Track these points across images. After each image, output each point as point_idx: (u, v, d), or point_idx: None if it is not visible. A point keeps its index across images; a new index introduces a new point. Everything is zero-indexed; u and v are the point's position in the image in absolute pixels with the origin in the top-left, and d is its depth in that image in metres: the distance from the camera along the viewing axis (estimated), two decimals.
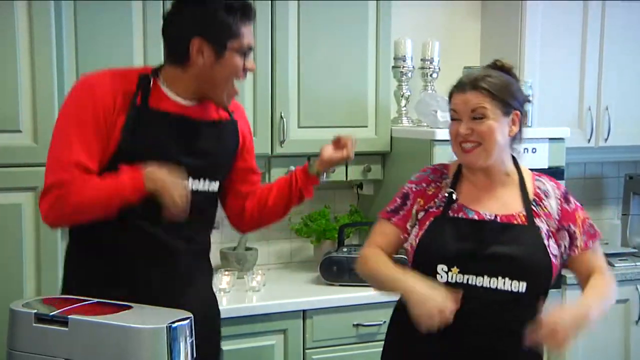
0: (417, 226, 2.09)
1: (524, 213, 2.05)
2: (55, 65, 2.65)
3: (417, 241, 2.07)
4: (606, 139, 3.71)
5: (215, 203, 2.27)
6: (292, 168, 3.22)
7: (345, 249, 3.23)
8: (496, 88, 2.02)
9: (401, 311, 2.03)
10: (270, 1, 3.12)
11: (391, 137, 3.41)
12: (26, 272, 2.57)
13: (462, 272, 1.99)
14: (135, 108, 2.01)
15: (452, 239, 2.02)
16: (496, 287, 1.97)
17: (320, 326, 3.01)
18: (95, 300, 1.73)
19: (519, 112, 2.07)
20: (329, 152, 2.27)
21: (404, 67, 3.46)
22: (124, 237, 2.03)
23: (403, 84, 3.49)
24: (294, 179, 2.31)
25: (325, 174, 2.31)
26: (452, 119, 2.08)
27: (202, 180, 2.14)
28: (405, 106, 3.51)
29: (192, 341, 1.59)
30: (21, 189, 2.60)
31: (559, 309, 1.99)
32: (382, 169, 3.45)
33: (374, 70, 3.34)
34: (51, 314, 1.59)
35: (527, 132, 3.24)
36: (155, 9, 2.93)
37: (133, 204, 1.94)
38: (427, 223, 2.07)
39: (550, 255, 2.01)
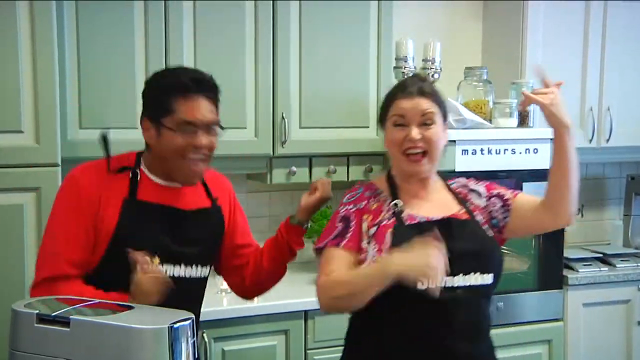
0: (373, 241, 2.00)
1: (464, 210, 2.07)
2: (57, 66, 2.65)
3: (387, 253, 1.96)
4: (608, 140, 3.71)
5: (205, 284, 2.25)
6: (294, 169, 3.25)
7: None
8: (438, 95, 2.05)
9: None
10: (271, 1, 3.13)
11: None
12: (28, 272, 2.57)
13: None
14: (125, 202, 2.02)
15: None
16: (470, 285, 1.96)
17: (321, 327, 3.01)
18: (97, 300, 1.73)
19: (446, 123, 2.09)
20: (305, 198, 2.27)
21: (405, 67, 3.46)
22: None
23: None
24: (280, 237, 2.29)
25: (309, 222, 2.30)
26: (396, 125, 2.02)
27: (194, 267, 2.12)
28: None
29: (194, 341, 1.59)
30: (23, 189, 2.59)
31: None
32: (383, 169, 3.45)
33: (375, 71, 3.35)
34: (53, 314, 1.58)
35: (529, 133, 3.29)
36: (156, 9, 2.94)
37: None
38: (387, 235, 1.98)
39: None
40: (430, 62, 3.51)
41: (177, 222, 2.08)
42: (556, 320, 3.41)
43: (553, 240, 3.38)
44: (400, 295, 1.86)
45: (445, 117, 2.07)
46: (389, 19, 3.34)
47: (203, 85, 2.00)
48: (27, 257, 2.59)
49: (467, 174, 3.10)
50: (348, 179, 3.36)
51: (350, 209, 2.06)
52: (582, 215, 4.13)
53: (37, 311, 1.59)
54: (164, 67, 2.96)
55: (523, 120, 3.40)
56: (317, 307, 2.94)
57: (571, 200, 2.07)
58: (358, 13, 3.29)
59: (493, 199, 2.12)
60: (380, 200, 2.06)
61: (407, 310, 1.94)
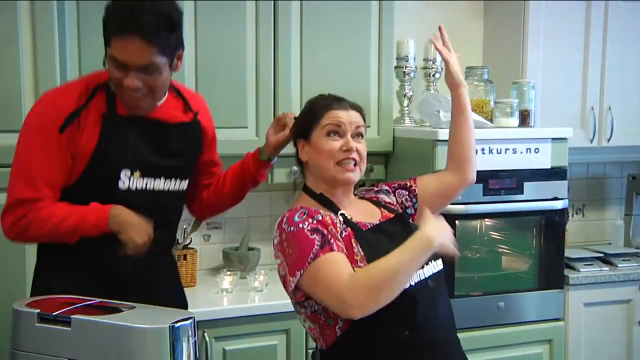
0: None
1: (386, 211, 2.13)
2: (59, 67, 2.66)
3: (365, 261, 1.89)
4: (609, 139, 3.71)
5: (183, 199, 2.29)
6: (295, 168, 3.24)
7: None
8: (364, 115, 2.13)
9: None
10: (272, 1, 3.13)
11: (394, 137, 3.41)
12: (29, 271, 2.56)
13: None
14: (104, 117, 2.01)
15: (392, 245, 1.87)
16: (432, 273, 1.98)
17: None
18: (98, 300, 1.73)
19: None
20: (272, 134, 2.33)
21: (406, 67, 3.46)
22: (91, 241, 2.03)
23: (405, 84, 3.49)
24: (246, 169, 2.36)
25: (275, 157, 2.38)
26: (330, 134, 2.02)
27: (174, 180, 2.17)
28: (407, 106, 3.52)
29: (195, 341, 1.60)
30: None
31: None
32: (385, 169, 3.45)
33: (376, 71, 3.35)
34: (54, 313, 1.59)
35: (530, 132, 3.29)
36: None
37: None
38: (354, 244, 1.93)
39: None
40: (431, 62, 3.52)
41: (158, 134, 2.10)
42: (557, 320, 3.40)
43: (554, 240, 3.38)
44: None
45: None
46: (390, 18, 3.33)
47: (141, 26, 1.87)
48: (28, 256, 2.58)
49: None
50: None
51: (312, 222, 1.91)
52: (583, 215, 4.13)
53: (38, 310, 1.60)
54: None
55: (524, 120, 3.40)
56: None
57: (472, 156, 2.26)
58: (359, 13, 3.29)
59: (398, 191, 2.22)
60: (326, 215, 1.98)
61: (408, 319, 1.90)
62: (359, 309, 1.77)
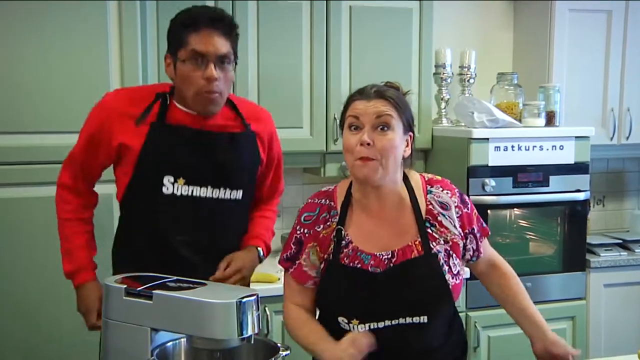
0: (320, 275, 1.77)
1: (419, 240, 1.71)
2: (141, 76, 2.70)
3: (316, 291, 1.78)
4: (627, 137, 3.62)
5: (241, 210, 2.09)
6: (344, 164, 3.24)
7: None
8: (400, 101, 1.70)
9: None
10: (325, 17, 3.13)
11: (432, 135, 3.38)
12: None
13: (363, 321, 1.70)
14: (152, 125, 1.93)
15: (348, 292, 1.70)
16: (398, 323, 1.69)
17: None
18: (175, 277, 1.75)
19: (412, 134, 1.74)
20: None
21: (444, 73, 3.43)
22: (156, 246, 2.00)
23: (443, 88, 3.46)
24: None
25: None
26: (351, 128, 1.69)
27: (222, 189, 1.99)
28: (444, 108, 3.49)
29: (258, 314, 1.60)
30: (112, 181, 2.64)
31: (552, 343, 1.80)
32: (425, 164, 3.43)
33: (416, 76, 3.32)
34: (138, 289, 1.61)
35: (555, 131, 3.23)
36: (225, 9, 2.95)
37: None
38: (323, 263, 1.75)
39: (450, 282, 1.71)
40: (466, 69, 3.48)
41: (204, 143, 1.95)
42: (579, 299, 3.35)
43: (576, 228, 3.32)
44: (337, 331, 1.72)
45: (407, 127, 1.71)
46: (429, 29, 3.30)
47: (216, 22, 1.87)
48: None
49: (499, 168, 3.10)
50: None
51: (304, 232, 1.78)
52: (604, 205, 4.04)
53: (125, 286, 1.63)
54: None
55: (550, 120, 3.34)
56: None
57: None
58: (401, 25, 3.26)
59: (470, 236, 1.78)
60: (330, 227, 1.76)
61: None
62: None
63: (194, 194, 1.95)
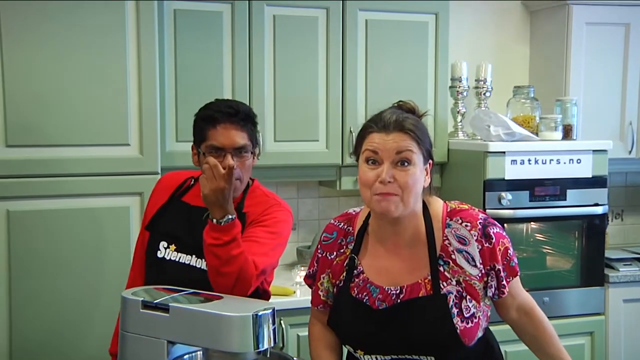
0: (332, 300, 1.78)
1: (429, 279, 1.64)
2: (158, 88, 2.72)
3: (328, 317, 1.79)
4: None
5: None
6: None
7: None
8: (420, 132, 1.62)
9: None
10: (341, 30, 3.15)
11: (448, 149, 3.38)
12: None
13: (368, 352, 1.69)
14: (170, 199, 2.13)
15: (353, 323, 1.70)
16: (405, 358, 1.66)
17: None
18: (191, 290, 1.77)
19: (431, 162, 1.67)
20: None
21: (460, 86, 3.44)
22: None
23: (459, 101, 3.47)
24: None
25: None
26: (368, 162, 1.62)
27: (203, 260, 2.00)
28: (461, 121, 3.49)
29: (274, 327, 1.61)
30: (129, 193, 2.68)
31: None
32: (441, 177, 3.43)
33: (432, 90, 3.33)
34: (155, 301, 1.63)
35: (573, 145, 3.22)
36: (242, 14, 3.00)
37: None
38: (334, 289, 1.76)
39: (459, 325, 1.62)
40: (482, 82, 3.48)
41: (199, 220, 1.98)
42: (598, 314, 3.32)
43: (595, 242, 3.30)
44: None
45: (427, 156, 1.64)
46: (445, 42, 3.31)
47: (232, 117, 2.00)
48: (132, 252, 2.65)
49: (516, 182, 3.09)
50: None
51: (323, 254, 1.79)
52: (622, 220, 4.01)
53: (142, 298, 1.64)
54: (247, 87, 3.03)
55: (567, 134, 3.33)
56: None
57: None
58: (418, 39, 3.28)
59: (491, 273, 1.66)
60: (344, 253, 1.75)
61: None
62: None
63: (181, 260, 2.07)
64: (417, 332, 1.63)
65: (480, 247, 1.65)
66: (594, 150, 3.23)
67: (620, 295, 3.39)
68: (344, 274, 1.73)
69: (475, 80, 3.49)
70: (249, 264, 1.84)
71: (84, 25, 2.60)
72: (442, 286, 1.63)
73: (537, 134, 3.29)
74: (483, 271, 1.65)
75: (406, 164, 1.59)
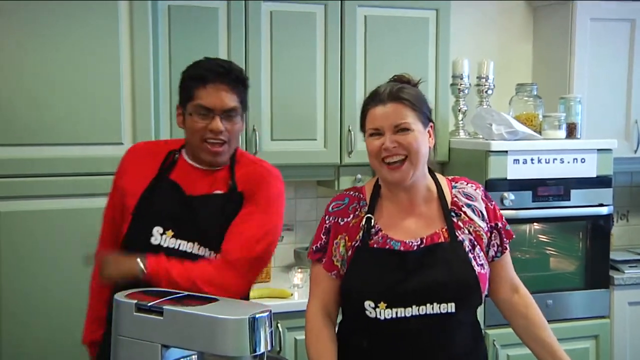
0: (345, 264, 1.83)
1: (446, 227, 1.81)
2: (153, 88, 2.72)
3: (343, 277, 1.83)
4: None
5: None
6: (359, 176, 3.26)
7: None
8: (415, 99, 1.78)
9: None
10: (339, 26, 3.15)
11: (449, 148, 3.39)
12: None
13: (389, 306, 1.74)
14: (154, 179, 2.02)
15: (376, 274, 1.77)
16: (425, 313, 1.74)
17: None
18: (186, 293, 1.76)
19: (433, 124, 1.83)
20: None
21: (461, 84, 3.44)
22: None
23: (460, 99, 3.47)
24: None
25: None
26: (372, 135, 1.78)
27: (206, 249, 1.98)
28: (462, 120, 3.49)
29: (271, 331, 1.61)
30: None
31: None
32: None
33: (433, 87, 3.33)
34: (149, 304, 1.62)
35: (577, 144, 3.23)
36: (238, 16, 3.00)
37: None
38: (351, 249, 1.82)
39: (476, 268, 1.78)
40: (484, 80, 3.49)
41: (184, 204, 1.99)
42: (603, 317, 3.33)
43: (599, 243, 3.30)
44: (361, 323, 1.78)
45: (426, 119, 1.80)
46: (446, 39, 3.32)
47: (223, 76, 1.95)
48: None
49: (518, 182, 3.10)
50: None
51: (332, 220, 1.86)
52: (628, 220, 4.02)
53: (136, 301, 1.63)
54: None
55: (571, 132, 3.34)
56: None
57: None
58: (418, 35, 3.28)
59: (495, 232, 1.86)
60: (359, 216, 1.84)
61: (369, 338, 1.81)
62: None
63: (180, 248, 1.97)
64: (441, 274, 1.75)
65: (485, 204, 1.86)
66: (598, 150, 3.23)
67: (626, 298, 3.39)
68: (361, 233, 1.81)
69: (477, 78, 3.50)
70: (216, 271, 1.88)
71: (76, 23, 2.59)
72: (457, 234, 1.80)
73: (540, 133, 3.29)
74: (488, 226, 1.84)
75: (406, 130, 1.75)
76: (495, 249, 1.87)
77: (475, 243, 1.82)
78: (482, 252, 1.83)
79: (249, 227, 1.95)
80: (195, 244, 1.98)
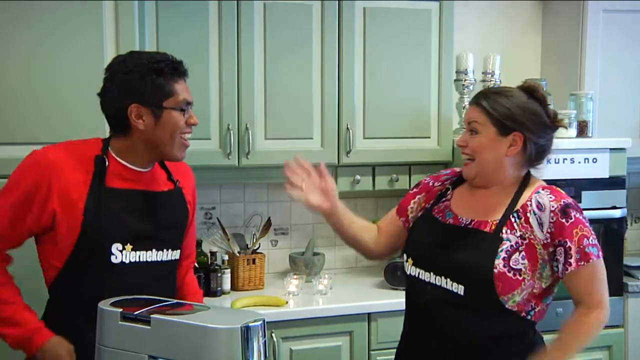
0: (412, 220, 2.18)
1: (497, 222, 1.97)
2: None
3: (408, 225, 2.20)
4: None
5: (176, 269, 2.16)
6: (358, 177, 3.26)
7: None
8: (496, 107, 1.97)
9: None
10: (337, 19, 3.15)
11: (453, 147, 3.39)
12: None
13: (416, 265, 2.06)
14: (92, 190, 1.96)
15: (420, 234, 2.10)
16: (440, 285, 1.98)
17: (384, 328, 3.01)
18: (175, 301, 1.76)
19: (521, 134, 1.96)
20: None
21: (465, 80, 3.44)
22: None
23: (465, 96, 3.47)
24: None
25: None
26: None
27: (166, 250, 2.07)
28: None
29: (265, 341, 1.61)
30: None
31: None
32: None
33: (436, 84, 3.34)
34: (135, 313, 1.62)
35: (588, 143, 3.23)
36: (230, 10, 3.01)
37: None
38: (420, 212, 2.16)
39: (499, 266, 1.90)
40: (489, 75, 3.48)
41: (147, 204, 2.03)
42: (616, 326, 3.33)
43: (612, 248, 3.30)
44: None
45: (504, 129, 1.96)
46: (450, 32, 3.32)
47: (182, 69, 2.03)
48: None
49: None
50: (410, 187, 3.34)
51: (426, 181, 2.22)
52: None
53: (121, 310, 1.63)
54: (235, 81, 3.02)
55: (582, 131, 3.34)
56: (380, 309, 3.01)
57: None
58: (420, 28, 3.28)
59: (560, 248, 1.92)
60: (444, 186, 2.16)
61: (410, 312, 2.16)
62: None
63: (142, 259, 2.00)
64: (463, 255, 1.95)
65: (554, 218, 1.92)
66: (611, 149, 3.24)
67: None
68: (434, 199, 2.14)
69: (483, 73, 3.50)
70: None
71: (59, 18, 2.60)
72: (504, 232, 1.95)
73: None
74: (549, 240, 1.92)
75: (475, 132, 1.99)
76: (560, 268, 1.93)
77: (522, 249, 1.93)
78: (526, 261, 1.92)
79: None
80: (153, 250, 2.03)
